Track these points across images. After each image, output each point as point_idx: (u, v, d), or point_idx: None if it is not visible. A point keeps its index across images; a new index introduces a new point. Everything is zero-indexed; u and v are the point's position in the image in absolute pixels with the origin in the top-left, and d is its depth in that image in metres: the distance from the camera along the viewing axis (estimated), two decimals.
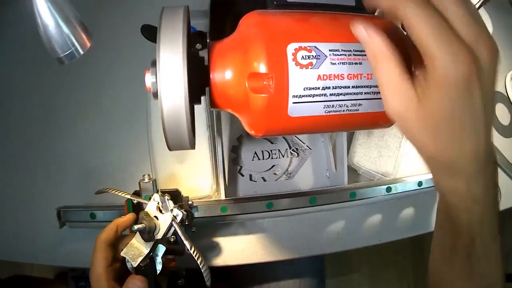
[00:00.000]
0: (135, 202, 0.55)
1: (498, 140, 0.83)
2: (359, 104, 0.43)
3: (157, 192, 0.53)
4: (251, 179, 0.67)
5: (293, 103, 0.40)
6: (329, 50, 0.41)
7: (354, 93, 0.42)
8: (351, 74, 0.42)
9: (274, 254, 0.67)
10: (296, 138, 0.70)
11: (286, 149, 0.69)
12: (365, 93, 0.43)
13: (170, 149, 0.45)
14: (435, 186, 0.39)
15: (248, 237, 0.67)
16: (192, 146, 0.44)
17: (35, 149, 0.72)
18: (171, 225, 0.48)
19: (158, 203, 0.48)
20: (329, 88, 0.41)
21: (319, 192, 0.61)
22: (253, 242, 0.67)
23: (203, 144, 0.65)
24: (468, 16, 0.30)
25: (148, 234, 0.47)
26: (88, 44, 0.46)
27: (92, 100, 0.74)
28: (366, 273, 1.78)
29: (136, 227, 0.46)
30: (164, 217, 0.48)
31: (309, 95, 0.41)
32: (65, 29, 0.42)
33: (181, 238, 0.47)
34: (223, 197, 0.61)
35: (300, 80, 0.40)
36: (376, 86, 0.43)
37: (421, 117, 0.32)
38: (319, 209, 0.62)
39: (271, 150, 0.68)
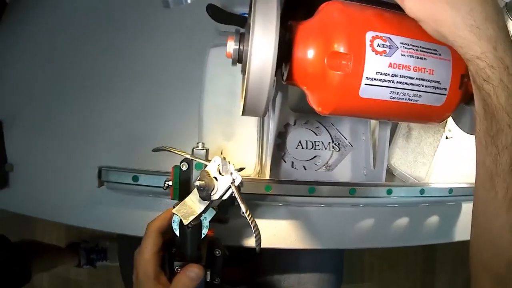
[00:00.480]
0: (184, 169, 0.57)
1: None
2: (419, 96, 0.49)
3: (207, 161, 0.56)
4: (292, 166, 0.72)
5: (365, 84, 0.47)
6: (401, 43, 0.48)
7: (416, 85, 0.48)
8: (416, 67, 0.48)
9: (305, 242, 0.72)
10: (339, 133, 0.75)
11: (329, 142, 0.74)
12: (425, 86, 0.49)
13: (243, 114, 0.51)
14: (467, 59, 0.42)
15: (282, 222, 0.72)
16: (265, 113, 0.50)
17: (82, 110, 0.76)
18: (229, 187, 0.50)
19: (218, 165, 0.50)
20: (397, 76, 0.47)
21: (358, 184, 0.66)
22: (287, 227, 0.72)
23: (251, 125, 0.71)
24: None
25: (206, 193, 0.49)
26: None
27: (145, 68, 0.78)
28: (376, 285, 1.84)
29: (198, 183, 0.48)
30: (224, 179, 0.50)
31: (379, 79, 0.47)
32: None
33: (237, 202, 0.49)
34: (267, 176, 0.66)
35: (374, 64, 0.46)
36: (435, 82, 0.49)
37: None
38: (354, 202, 0.67)
39: (314, 141, 0.74)
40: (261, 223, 0.70)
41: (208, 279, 0.56)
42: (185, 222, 0.49)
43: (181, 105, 0.76)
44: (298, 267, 0.84)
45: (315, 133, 0.74)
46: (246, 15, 0.73)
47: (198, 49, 0.76)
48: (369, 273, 1.85)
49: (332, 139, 0.75)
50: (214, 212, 0.55)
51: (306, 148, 0.73)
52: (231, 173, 0.50)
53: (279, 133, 0.71)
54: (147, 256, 0.53)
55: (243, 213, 0.49)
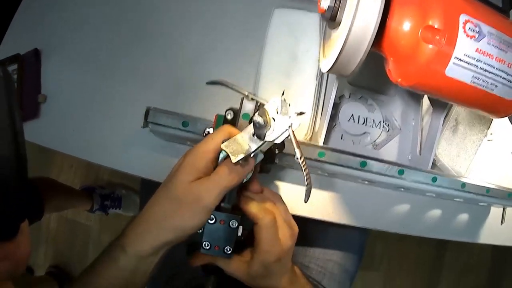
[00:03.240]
0: (228, 118, 0.59)
1: None
2: (496, 86, 0.57)
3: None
4: (341, 138, 0.80)
5: (453, 63, 0.54)
6: (488, 32, 0.55)
7: (496, 74, 0.56)
8: (498, 58, 0.56)
9: (342, 217, 0.80)
10: (391, 114, 0.84)
11: (380, 121, 0.82)
12: (502, 77, 0.57)
13: (330, 71, 0.58)
14: None
15: (322, 192, 0.80)
16: (352, 73, 0.58)
17: (132, 46, 0.82)
18: (285, 130, 0.50)
19: (277, 107, 0.51)
20: (481, 61, 0.55)
21: (408, 167, 0.73)
22: (326, 199, 0.80)
23: (308, 90, 0.78)
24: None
25: (262, 131, 0.50)
26: None
27: (209, 14, 0.84)
28: (382, 275, 1.99)
29: (256, 118, 0.49)
30: (281, 120, 0.50)
31: (466, 62, 0.54)
32: None
33: (292, 145, 0.51)
34: (321, 143, 0.73)
35: (464, 45, 0.54)
36: (511, 75, 0.58)
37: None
38: (400, 183, 0.75)
39: (366, 118, 0.82)
40: (302, 190, 0.78)
41: (239, 234, 0.59)
42: (233, 159, 0.50)
43: (240, 59, 0.82)
44: (325, 240, 0.92)
45: (368, 110, 0.82)
46: None
47: (263, 6, 0.83)
48: (379, 262, 2.00)
49: (383, 118, 0.83)
50: (262, 157, 0.57)
51: (358, 123, 0.81)
52: (290, 116, 0.51)
53: (334, 104, 0.79)
54: (208, 147, 0.53)
55: (297, 158, 0.51)
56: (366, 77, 0.82)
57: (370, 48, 0.60)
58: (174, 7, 0.84)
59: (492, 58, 0.56)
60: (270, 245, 0.56)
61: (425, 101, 0.84)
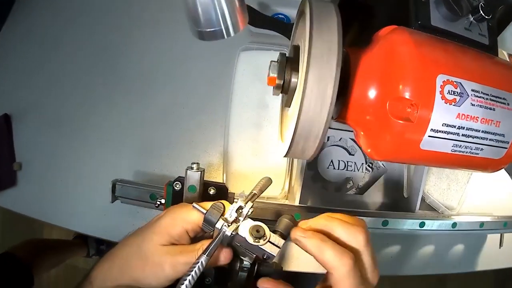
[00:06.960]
0: (176, 188, 0.56)
1: None
2: (481, 149, 0.44)
3: (202, 184, 0.54)
4: (323, 187, 0.69)
5: (429, 136, 0.41)
6: (472, 90, 0.42)
7: (481, 138, 0.43)
8: (484, 119, 0.42)
9: None
10: None
11: (362, 163, 0.70)
12: (489, 139, 0.44)
13: (285, 156, 0.46)
14: None
15: None
16: (313, 158, 0.45)
17: (103, 111, 0.74)
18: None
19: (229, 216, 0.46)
20: (463, 128, 0.42)
21: (391, 215, 0.63)
22: None
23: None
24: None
25: (206, 227, 0.46)
26: (241, 28, 0.38)
27: (173, 68, 0.75)
28: None
29: (206, 215, 0.45)
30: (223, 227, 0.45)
31: (444, 132, 0.41)
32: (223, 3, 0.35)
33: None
34: (297, 203, 0.62)
35: (442, 114, 0.40)
36: (499, 135, 0.44)
37: None
38: (386, 233, 0.64)
39: (347, 162, 0.69)
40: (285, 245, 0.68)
41: None
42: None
43: (208, 112, 0.72)
44: None
45: (349, 152, 0.70)
46: (281, 17, 0.67)
47: (229, 53, 0.71)
48: None
49: (366, 159, 0.70)
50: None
51: (338, 168, 0.69)
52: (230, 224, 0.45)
53: None
54: (190, 217, 0.47)
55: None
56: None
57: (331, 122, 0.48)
58: (142, 67, 0.76)
59: (477, 121, 0.43)
60: None
61: None
